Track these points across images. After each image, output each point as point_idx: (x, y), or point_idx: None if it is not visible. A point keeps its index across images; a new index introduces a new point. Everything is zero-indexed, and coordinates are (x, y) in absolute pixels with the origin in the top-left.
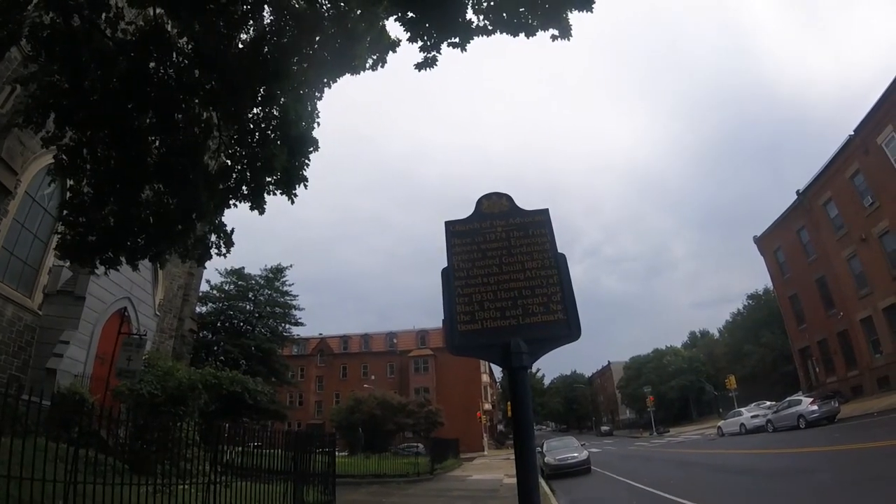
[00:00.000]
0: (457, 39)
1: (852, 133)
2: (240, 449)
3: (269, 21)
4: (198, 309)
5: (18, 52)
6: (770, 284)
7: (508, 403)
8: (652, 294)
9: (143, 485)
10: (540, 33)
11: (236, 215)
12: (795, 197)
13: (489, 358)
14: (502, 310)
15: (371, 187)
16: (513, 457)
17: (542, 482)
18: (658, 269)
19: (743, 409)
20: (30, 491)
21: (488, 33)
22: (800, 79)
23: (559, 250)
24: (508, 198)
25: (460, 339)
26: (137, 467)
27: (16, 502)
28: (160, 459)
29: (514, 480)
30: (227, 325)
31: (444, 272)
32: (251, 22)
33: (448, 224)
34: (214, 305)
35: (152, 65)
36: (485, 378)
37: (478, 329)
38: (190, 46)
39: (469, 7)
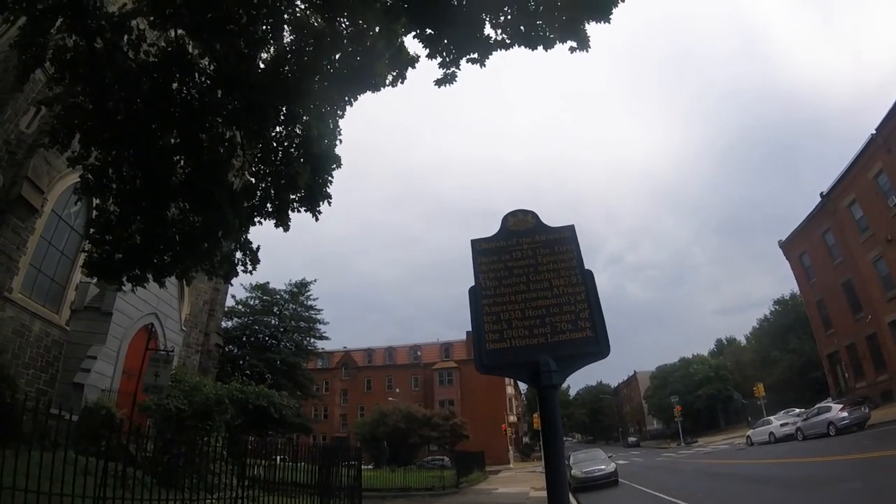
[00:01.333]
0: (476, 55)
1: (874, 132)
2: (265, 462)
3: (289, 40)
4: (223, 324)
5: (43, 74)
6: (796, 289)
7: (535, 415)
8: (676, 301)
9: (171, 501)
10: (558, 46)
11: (260, 231)
12: (819, 199)
13: (518, 377)
14: (530, 328)
15: (393, 200)
16: (538, 469)
17: (570, 496)
18: (681, 275)
19: (772, 418)
20: None
21: (507, 47)
22: (816, 81)
23: (584, 264)
24: (534, 215)
25: (489, 357)
26: (165, 481)
27: None
28: (187, 473)
29: (540, 493)
30: (252, 339)
31: (472, 291)
32: (271, 42)
33: (474, 242)
34: (240, 320)
35: (175, 85)
36: (510, 390)
37: (506, 347)
38: (212, 67)
39: (487, 22)
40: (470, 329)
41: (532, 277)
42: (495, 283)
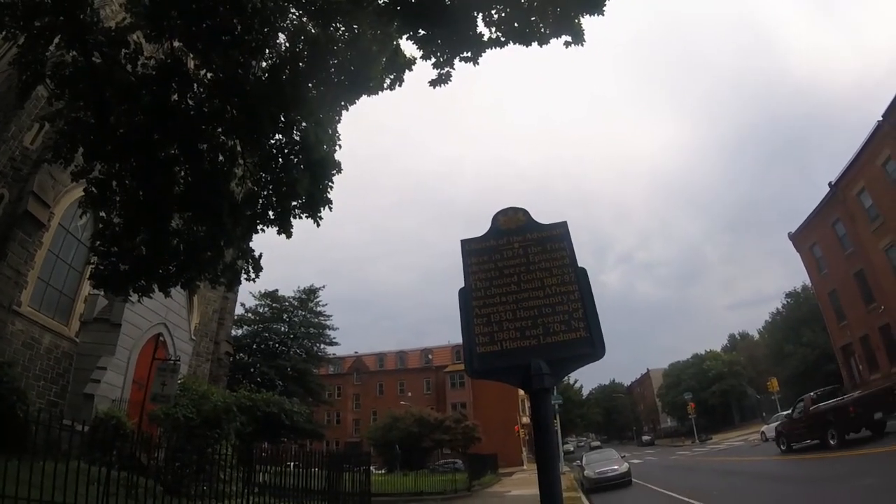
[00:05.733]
0: (469, 54)
1: (881, 119)
2: (276, 469)
3: (284, 48)
4: (233, 332)
5: (45, 90)
6: (808, 281)
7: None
8: (688, 298)
9: None
10: (553, 41)
11: (270, 241)
12: (828, 190)
13: (509, 381)
14: (522, 329)
15: (404, 206)
16: None
17: (582, 497)
18: (693, 272)
19: (786, 413)
20: None
21: (501, 45)
22: (819, 70)
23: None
24: (525, 212)
25: (479, 361)
26: (173, 489)
27: None
28: (195, 481)
29: None
30: (262, 346)
31: (462, 292)
32: (267, 51)
33: (464, 242)
34: (249, 328)
35: (174, 97)
36: (522, 391)
37: (497, 350)
38: (209, 77)
39: (479, 20)
40: None
41: (523, 277)
42: (486, 283)
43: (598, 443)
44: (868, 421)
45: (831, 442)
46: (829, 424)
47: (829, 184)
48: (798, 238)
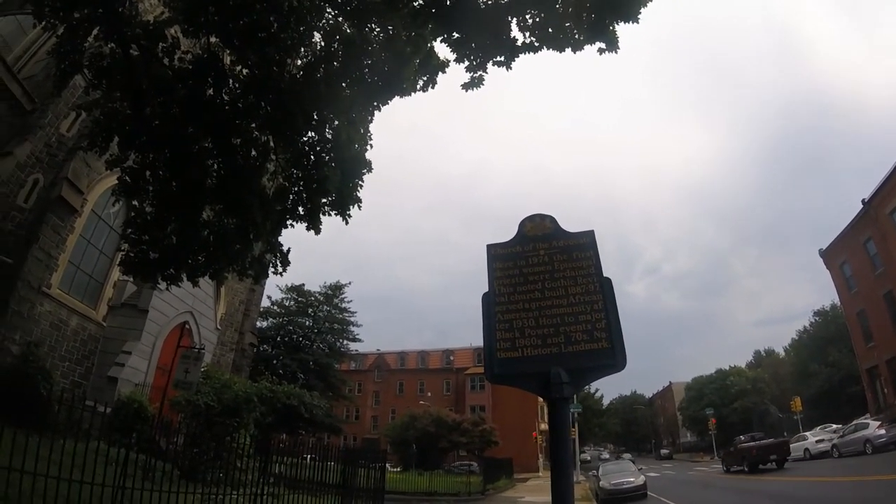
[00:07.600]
0: (502, 58)
1: None
2: (292, 460)
3: (319, 47)
4: (258, 324)
5: (82, 79)
6: (837, 300)
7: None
8: (714, 312)
9: (192, 493)
10: (587, 48)
11: (299, 236)
12: (860, 206)
13: (528, 388)
14: (544, 337)
15: (432, 207)
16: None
17: None
18: (720, 285)
19: (808, 434)
20: (79, 492)
21: (534, 50)
22: (852, 85)
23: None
24: (552, 219)
25: (499, 366)
26: (189, 474)
27: (64, 501)
28: (212, 467)
29: None
30: (286, 339)
31: (485, 297)
32: (302, 49)
33: (490, 247)
34: (275, 321)
35: (210, 91)
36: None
37: (518, 357)
38: (244, 73)
39: (514, 24)
40: None
41: (547, 284)
42: (509, 289)
43: (628, 454)
44: (765, 460)
45: (745, 469)
46: (743, 458)
47: (863, 201)
48: (828, 255)
